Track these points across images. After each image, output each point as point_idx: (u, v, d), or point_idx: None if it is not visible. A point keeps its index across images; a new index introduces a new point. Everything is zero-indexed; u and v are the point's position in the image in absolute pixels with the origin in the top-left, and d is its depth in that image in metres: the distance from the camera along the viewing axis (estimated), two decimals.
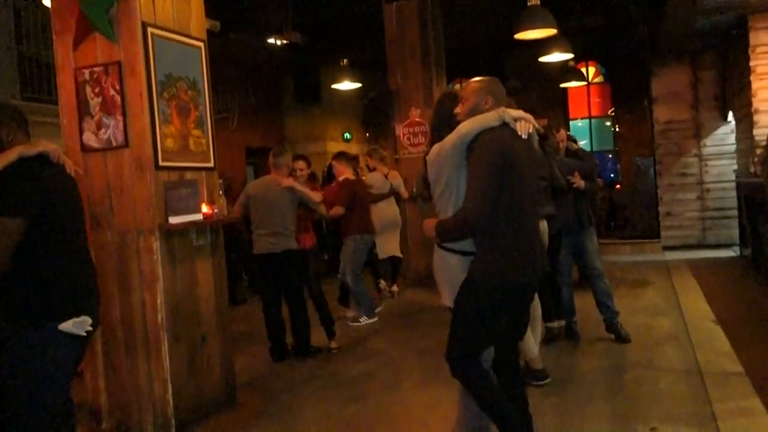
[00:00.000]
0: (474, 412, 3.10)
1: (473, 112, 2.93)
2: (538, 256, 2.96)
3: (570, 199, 5.15)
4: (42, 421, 2.61)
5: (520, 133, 2.89)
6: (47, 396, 2.63)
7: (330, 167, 7.90)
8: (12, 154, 2.56)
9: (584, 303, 5.66)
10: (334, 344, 5.64)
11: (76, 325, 2.62)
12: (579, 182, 5.12)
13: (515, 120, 2.90)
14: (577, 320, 5.46)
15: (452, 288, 2.96)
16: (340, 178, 6.63)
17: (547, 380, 4.36)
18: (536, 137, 3.07)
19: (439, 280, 3.10)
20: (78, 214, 2.81)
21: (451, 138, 2.90)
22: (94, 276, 2.87)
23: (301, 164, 5.87)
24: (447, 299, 3.03)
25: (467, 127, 2.86)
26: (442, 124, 3.10)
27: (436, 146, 3.00)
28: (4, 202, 2.47)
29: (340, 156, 6.93)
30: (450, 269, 2.99)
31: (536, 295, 4.56)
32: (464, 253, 2.94)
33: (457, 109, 3.01)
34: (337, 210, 6.30)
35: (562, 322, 5.41)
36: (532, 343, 4.34)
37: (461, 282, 2.91)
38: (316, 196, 5.65)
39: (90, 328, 2.70)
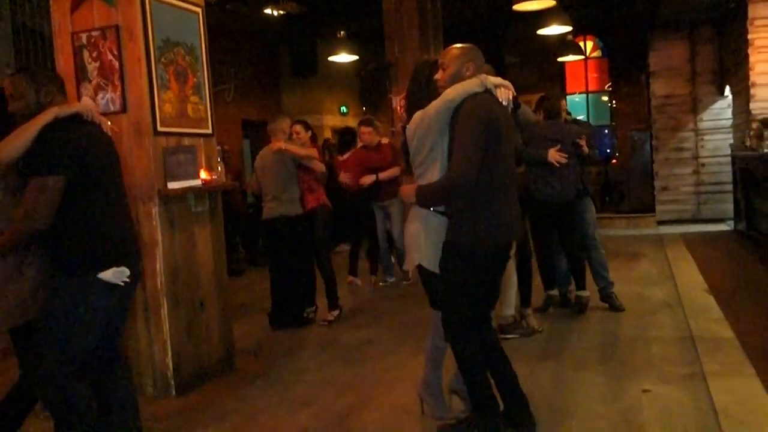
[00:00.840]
0: (436, 374, 3.26)
1: (454, 79, 2.94)
2: (518, 218, 3.03)
3: (573, 168, 5.13)
4: (63, 368, 2.67)
5: (500, 100, 2.95)
6: (77, 344, 2.70)
7: (351, 135, 7.45)
8: (49, 115, 2.67)
9: None
10: (329, 316, 5.57)
11: (116, 275, 2.72)
12: (586, 147, 5.11)
13: (496, 87, 2.95)
14: (573, 289, 5.53)
15: (434, 248, 2.97)
16: (384, 141, 6.79)
17: (510, 336, 4.60)
18: (512, 105, 3.11)
19: (413, 241, 3.06)
20: (115, 170, 2.91)
21: (435, 104, 2.91)
22: (133, 230, 2.99)
23: (297, 128, 5.74)
24: (425, 260, 3.01)
25: (453, 93, 2.88)
26: (421, 91, 3.10)
27: (418, 113, 3.00)
28: (45, 161, 2.59)
29: (371, 122, 6.82)
30: (432, 230, 2.99)
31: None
32: (445, 214, 2.97)
33: (437, 76, 3.01)
34: (396, 171, 6.41)
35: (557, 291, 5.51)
36: (508, 301, 4.58)
37: (441, 244, 2.94)
38: (308, 152, 5.51)
39: (127, 280, 2.78)
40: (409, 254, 3.11)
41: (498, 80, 3.00)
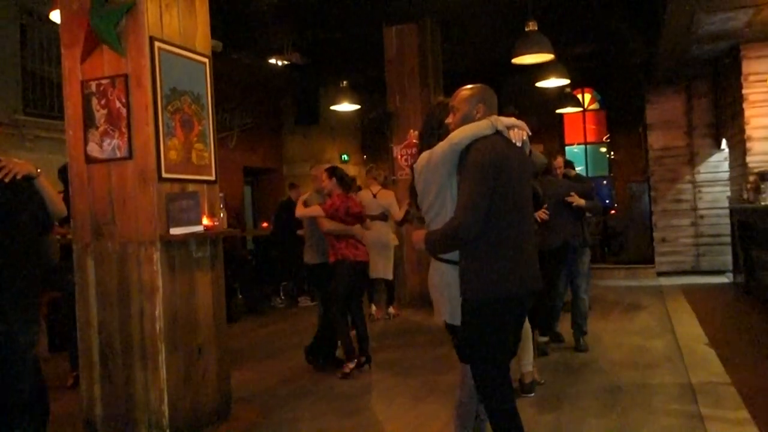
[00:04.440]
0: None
1: (464, 121, 2.85)
2: (533, 266, 2.85)
3: (569, 218, 5.28)
4: None
5: (513, 141, 2.81)
6: None
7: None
8: None
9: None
10: (345, 368, 5.35)
11: None
12: (578, 200, 5.20)
13: (508, 128, 2.81)
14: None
15: (453, 302, 2.85)
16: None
17: (532, 394, 4.48)
18: (529, 145, 2.98)
19: (436, 295, 2.97)
20: None
21: (441, 146, 2.81)
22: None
23: (322, 174, 5.60)
24: (447, 315, 2.92)
25: (459, 135, 2.77)
26: (432, 133, 3.01)
27: (425, 154, 2.90)
28: None
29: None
30: (450, 283, 2.86)
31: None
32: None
33: (448, 119, 2.93)
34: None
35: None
36: (528, 357, 4.42)
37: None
38: (306, 211, 5.56)
39: None
40: (435, 308, 3.02)
41: (511, 121, 2.84)
